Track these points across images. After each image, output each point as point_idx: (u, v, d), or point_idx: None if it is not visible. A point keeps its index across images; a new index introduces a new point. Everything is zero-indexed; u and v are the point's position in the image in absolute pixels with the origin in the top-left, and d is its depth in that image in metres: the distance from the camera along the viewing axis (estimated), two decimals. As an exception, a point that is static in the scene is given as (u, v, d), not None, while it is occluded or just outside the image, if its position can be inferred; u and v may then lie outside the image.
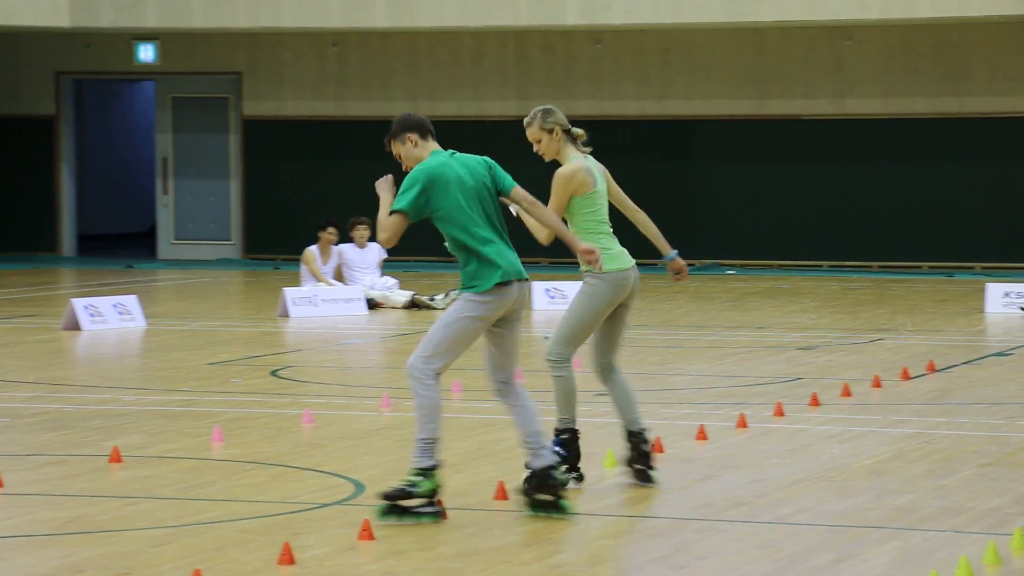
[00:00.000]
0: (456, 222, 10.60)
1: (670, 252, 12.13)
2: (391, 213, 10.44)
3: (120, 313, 23.96)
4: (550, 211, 11.45)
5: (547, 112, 11.57)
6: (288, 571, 10.05)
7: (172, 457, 14.46)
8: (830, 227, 34.33)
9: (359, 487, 12.79)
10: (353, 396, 18.81)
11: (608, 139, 32.87)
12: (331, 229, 26.32)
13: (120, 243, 39.05)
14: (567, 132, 11.63)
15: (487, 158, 10.92)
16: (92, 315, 23.23)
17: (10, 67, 37.77)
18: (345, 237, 26.82)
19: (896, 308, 27.04)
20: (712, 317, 26.10)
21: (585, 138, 11.83)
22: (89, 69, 37.76)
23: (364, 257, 26.92)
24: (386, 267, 27.28)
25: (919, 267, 33.42)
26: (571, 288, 25.62)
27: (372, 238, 26.46)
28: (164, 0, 35.13)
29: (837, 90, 33.93)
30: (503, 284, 10.55)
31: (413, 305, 26.20)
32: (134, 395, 18.55)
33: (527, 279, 10.68)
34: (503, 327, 10.64)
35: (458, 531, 10.70)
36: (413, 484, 10.37)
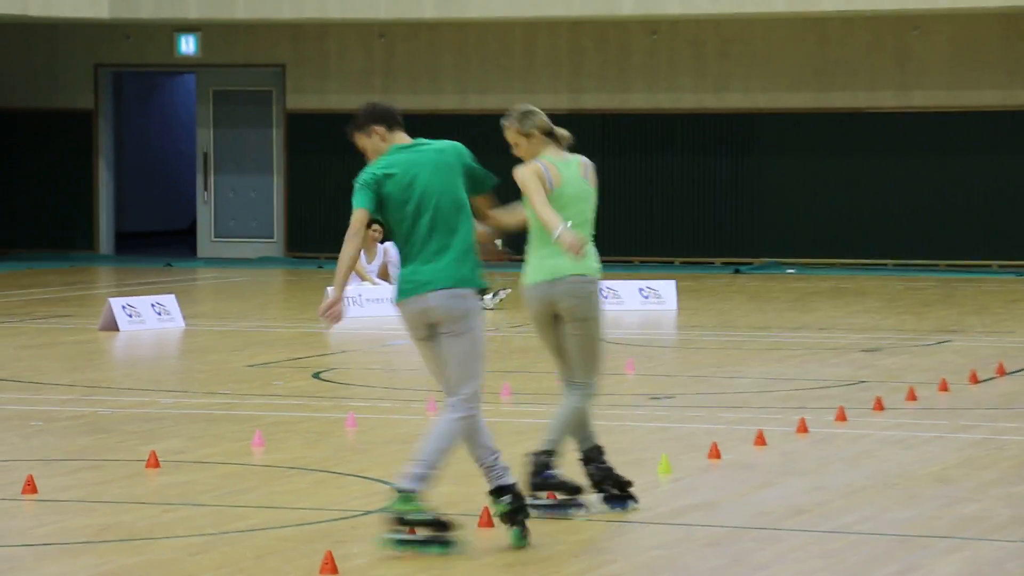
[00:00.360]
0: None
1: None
2: (355, 213, 10.33)
3: (158, 313, 24.15)
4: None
5: (525, 115, 11.31)
6: (331, 581, 9.77)
7: (211, 462, 14.56)
8: (895, 224, 34.16)
9: (404, 494, 12.81)
10: (398, 399, 18.77)
11: (664, 133, 35.04)
12: (376, 227, 25.04)
13: (159, 241, 39.23)
14: (549, 134, 11.34)
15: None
16: (130, 315, 23.41)
17: (48, 59, 37.93)
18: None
19: (964, 309, 26.97)
20: (772, 318, 26.09)
21: (571, 141, 11.52)
22: (128, 61, 37.88)
23: None
24: None
25: (988, 266, 33.49)
26: (626, 288, 26.92)
27: None
28: None
29: (902, 82, 33.75)
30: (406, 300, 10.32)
31: None
32: (172, 398, 18.57)
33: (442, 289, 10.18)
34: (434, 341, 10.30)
35: (507, 540, 10.55)
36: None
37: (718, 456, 13.93)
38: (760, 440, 14.63)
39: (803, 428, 15.32)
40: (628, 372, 19.67)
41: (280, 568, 10.40)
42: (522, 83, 35.51)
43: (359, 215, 10.02)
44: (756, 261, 34.07)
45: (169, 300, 24.45)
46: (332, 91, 36.69)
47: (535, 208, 11.12)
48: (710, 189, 35.33)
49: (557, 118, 32.15)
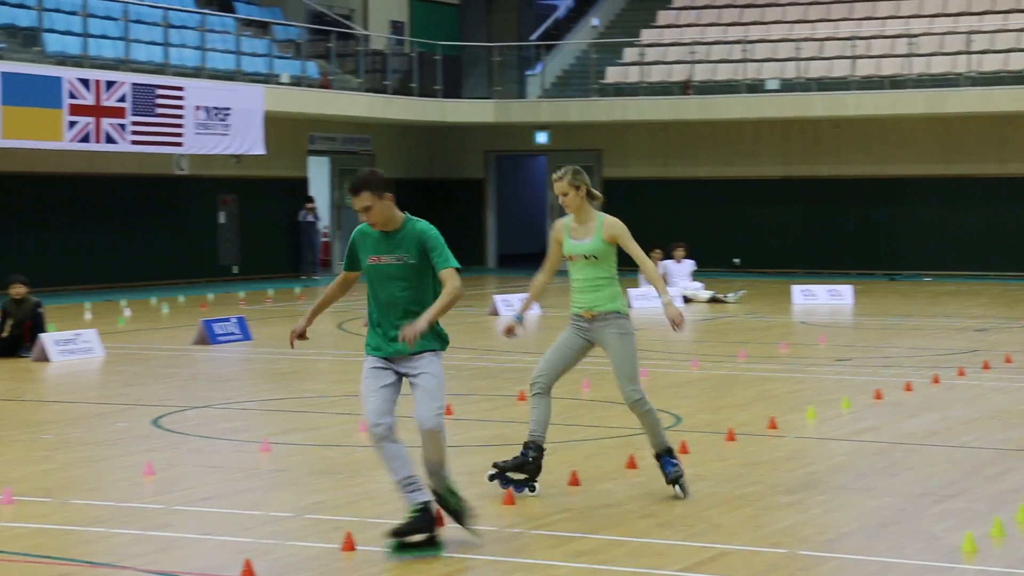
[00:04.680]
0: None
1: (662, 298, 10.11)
2: (454, 270, 8.52)
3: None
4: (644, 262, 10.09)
5: (577, 172, 10.18)
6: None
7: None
8: (995, 246, 35.65)
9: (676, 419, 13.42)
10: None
11: (843, 191, 37.13)
12: (656, 251, 27.18)
13: (523, 258, 39.07)
14: (588, 193, 10.13)
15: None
16: (507, 305, 25.29)
17: (455, 147, 41.20)
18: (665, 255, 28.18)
19: None
20: (914, 309, 26.84)
21: (602, 201, 10.40)
22: (505, 148, 41.18)
23: (680, 269, 28.64)
24: (696, 276, 29.01)
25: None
26: (820, 290, 28.35)
27: (686, 256, 28.72)
28: (553, 104, 38.51)
29: (1000, 157, 35.62)
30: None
31: (713, 300, 27.80)
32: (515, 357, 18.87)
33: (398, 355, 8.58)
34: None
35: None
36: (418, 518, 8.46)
37: (880, 397, 14.68)
38: (907, 388, 15.36)
39: (936, 380, 16.01)
40: (820, 342, 20.60)
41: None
42: (750, 158, 37.90)
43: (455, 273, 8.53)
44: (904, 272, 36.08)
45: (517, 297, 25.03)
46: (632, 165, 38.77)
47: (634, 252, 10.05)
48: (873, 226, 36.89)
49: (772, 182, 35.36)
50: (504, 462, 10.19)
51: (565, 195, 10.10)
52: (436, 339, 8.66)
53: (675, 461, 10.14)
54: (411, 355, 8.56)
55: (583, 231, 10.14)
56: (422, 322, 8.41)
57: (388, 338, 8.59)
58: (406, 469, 8.47)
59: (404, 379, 8.61)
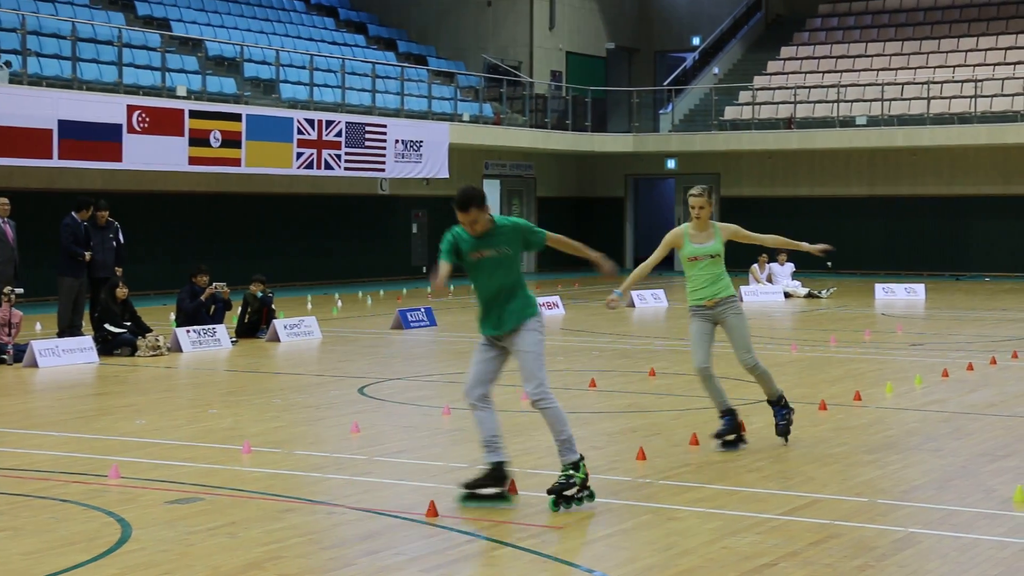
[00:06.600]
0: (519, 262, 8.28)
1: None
2: (546, 243, 8.22)
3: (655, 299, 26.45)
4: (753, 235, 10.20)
5: (709, 190, 10.06)
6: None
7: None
8: None
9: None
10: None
11: (918, 207, 36.60)
12: (763, 256, 28.49)
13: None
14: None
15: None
16: (641, 299, 25.76)
17: (601, 172, 41.36)
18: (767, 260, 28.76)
19: None
20: (976, 303, 26.51)
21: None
22: (641, 172, 41.16)
23: (783, 271, 28.96)
24: (795, 276, 29.05)
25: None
26: (898, 288, 27.93)
27: (788, 260, 28.64)
28: (681, 137, 38.29)
29: None
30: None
31: (809, 296, 27.82)
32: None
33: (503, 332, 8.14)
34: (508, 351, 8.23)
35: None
36: (571, 476, 8.03)
37: (946, 376, 14.55)
38: (970, 367, 15.25)
39: (993, 362, 15.83)
40: (898, 330, 20.34)
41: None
42: (842, 180, 37.37)
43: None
44: (967, 273, 35.80)
45: (661, 292, 26.58)
46: (744, 186, 38.76)
47: (753, 237, 10.20)
48: (942, 236, 36.37)
49: (859, 199, 34.53)
50: (719, 430, 10.12)
51: (702, 208, 9.95)
52: (530, 307, 8.13)
53: (784, 411, 10.28)
54: (512, 331, 8.08)
55: (703, 236, 10.00)
56: (601, 258, 8.27)
57: (492, 320, 8.12)
58: (489, 431, 8.08)
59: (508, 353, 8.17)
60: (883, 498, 8.41)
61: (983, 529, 7.51)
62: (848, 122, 36.48)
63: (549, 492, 8.05)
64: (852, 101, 37.22)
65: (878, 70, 39.00)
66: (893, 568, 6.67)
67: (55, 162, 24.25)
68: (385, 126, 30.88)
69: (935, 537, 7.34)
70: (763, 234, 10.30)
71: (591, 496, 8.12)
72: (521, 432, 10.78)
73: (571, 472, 8.08)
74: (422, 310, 21.44)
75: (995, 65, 37.75)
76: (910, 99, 36.63)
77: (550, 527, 7.54)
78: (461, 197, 8.00)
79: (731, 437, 10.15)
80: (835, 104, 37.10)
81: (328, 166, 29.35)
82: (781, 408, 10.33)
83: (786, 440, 10.24)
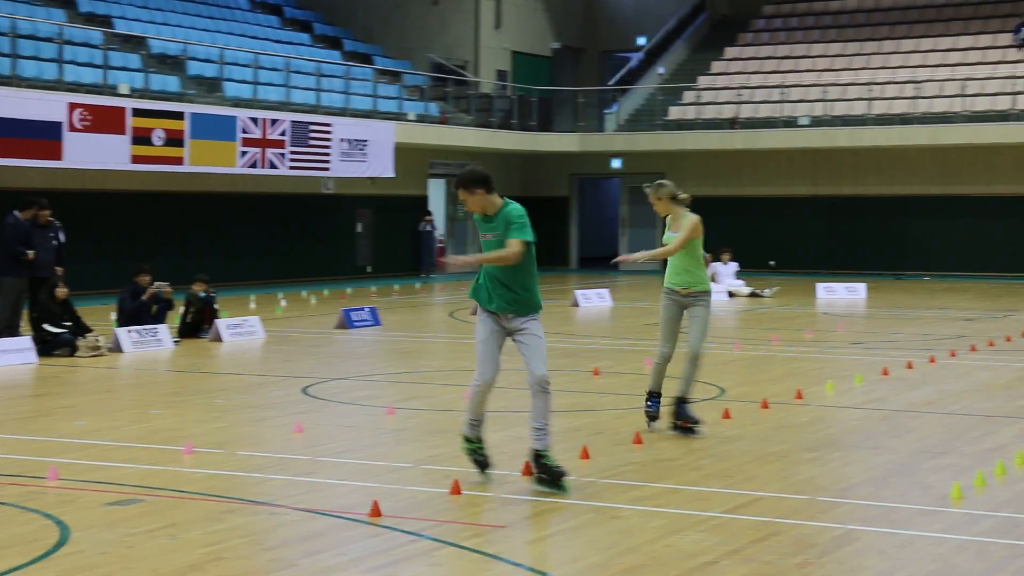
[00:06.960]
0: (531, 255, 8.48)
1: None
2: (524, 244, 8.23)
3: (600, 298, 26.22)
4: (674, 244, 10.25)
5: (659, 185, 10.38)
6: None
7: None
8: (981, 250, 35.22)
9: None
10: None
11: (859, 207, 36.43)
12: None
13: (600, 260, 40.02)
14: (674, 198, 10.29)
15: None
16: (585, 299, 25.75)
17: (546, 171, 41.19)
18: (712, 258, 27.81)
19: (1020, 297, 27.55)
20: (916, 302, 26.64)
21: (688, 201, 10.45)
22: (586, 171, 41.09)
23: (726, 269, 28.75)
24: (738, 275, 29.10)
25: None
26: (839, 287, 27.83)
27: (731, 259, 28.56)
28: (626, 136, 38.37)
29: (988, 180, 35.26)
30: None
31: (752, 295, 27.99)
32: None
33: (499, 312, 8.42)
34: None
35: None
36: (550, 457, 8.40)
37: (886, 374, 14.67)
38: (909, 366, 15.36)
39: (932, 360, 15.99)
40: (839, 329, 20.49)
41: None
42: (785, 179, 37.46)
43: (524, 247, 8.30)
44: (908, 272, 35.80)
45: (605, 292, 26.76)
46: (689, 186, 31.35)
47: (679, 238, 10.26)
48: (883, 235, 36.43)
49: (802, 199, 34.42)
50: (650, 411, 10.62)
51: (654, 203, 10.44)
52: (531, 306, 8.50)
53: (691, 416, 10.55)
54: (516, 316, 8.44)
55: (676, 226, 10.39)
56: (464, 257, 8.72)
57: (484, 295, 8.52)
58: (483, 411, 8.64)
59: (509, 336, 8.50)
60: (823, 496, 8.42)
61: (921, 526, 7.52)
62: (791, 122, 36.57)
63: (556, 479, 8.34)
64: (795, 101, 37.29)
65: (821, 71, 39.10)
66: (833, 565, 6.67)
67: (-6, 160, 24.37)
68: (330, 125, 30.80)
69: (874, 534, 7.34)
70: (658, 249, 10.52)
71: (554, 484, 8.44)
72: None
73: (549, 454, 8.45)
74: (366, 310, 21.39)
75: (935, 67, 37.93)
76: (852, 100, 36.75)
77: (493, 526, 7.54)
78: (457, 177, 8.42)
79: (689, 424, 10.53)
80: (779, 104, 37.15)
81: (272, 165, 29.25)
82: (686, 408, 10.62)
83: (686, 435, 10.48)
